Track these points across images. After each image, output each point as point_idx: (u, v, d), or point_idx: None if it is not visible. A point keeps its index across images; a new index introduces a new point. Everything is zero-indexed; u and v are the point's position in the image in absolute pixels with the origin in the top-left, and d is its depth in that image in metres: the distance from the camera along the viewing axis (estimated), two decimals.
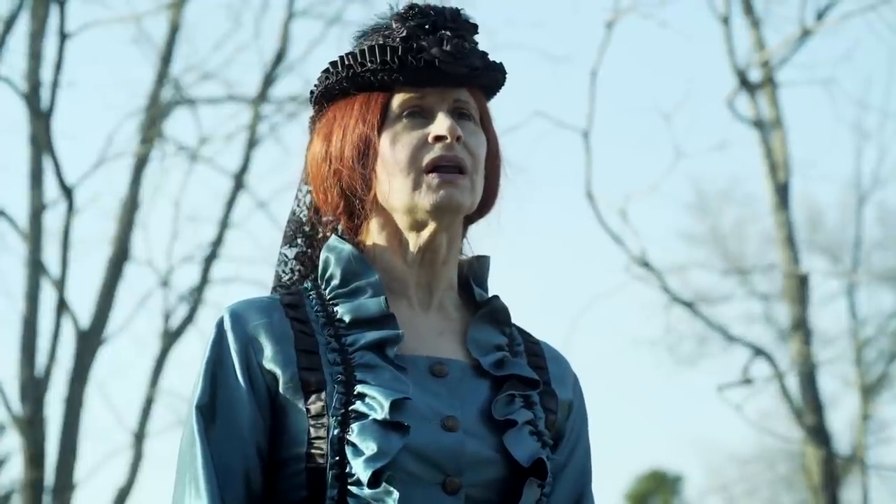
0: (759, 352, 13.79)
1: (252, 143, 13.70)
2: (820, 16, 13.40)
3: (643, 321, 19.41)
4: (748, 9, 13.66)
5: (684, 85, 23.41)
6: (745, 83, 13.41)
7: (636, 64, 29.67)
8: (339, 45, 13.55)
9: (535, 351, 2.08)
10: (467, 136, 1.98)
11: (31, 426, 11.93)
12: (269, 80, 13.75)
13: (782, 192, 13.40)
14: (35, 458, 11.91)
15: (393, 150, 1.97)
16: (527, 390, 1.98)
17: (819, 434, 13.15)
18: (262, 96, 13.76)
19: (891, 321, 18.04)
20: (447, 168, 1.96)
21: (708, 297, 15.99)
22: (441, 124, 1.97)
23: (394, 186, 1.97)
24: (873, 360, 18.48)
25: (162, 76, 13.39)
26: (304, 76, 14.15)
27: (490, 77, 2.04)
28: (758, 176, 13.81)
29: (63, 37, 12.72)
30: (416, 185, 1.96)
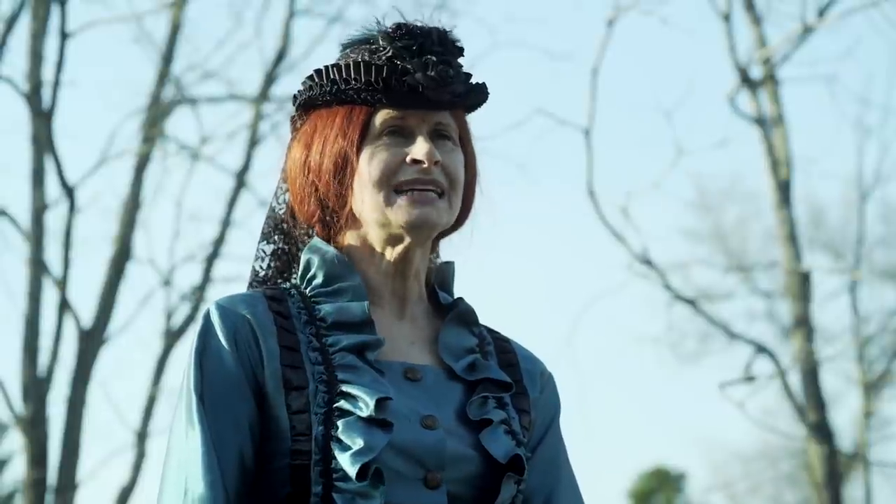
0: (761, 349, 13.79)
1: (253, 142, 13.71)
2: (821, 12, 13.39)
3: (645, 319, 19.46)
4: (749, 5, 13.65)
5: (685, 82, 23.37)
6: (746, 80, 13.41)
7: (637, 61, 29.68)
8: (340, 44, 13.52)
9: (505, 349, 2.11)
10: (445, 157, 2.01)
11: (34, 426, 11.94)
12: (270, 79, 13.76)
13: (784, 189, 13.40)
14: (37, 457, 11.92)
15: (369, 167, 1.99)
16: (499, 392, 2.02)
17: (822, 431, 13.15)
18: (264, 95, 13.77)
19: (893, 318, 18.04)
20: (421, 189, 1.98)
21: (710, 295, 16.00)
22: (420, 148, 1.99)
23: (368, 201, 2.00)
24: (876, 357, 18.48)
25: (163, 75, 13.39)
26: (305, 75, 14.09)
27: (472, 100, 2.06)
28: (759, 173, 13.80)
29: (64, 36, 12.73)
30: (388, 202, 1.98)
